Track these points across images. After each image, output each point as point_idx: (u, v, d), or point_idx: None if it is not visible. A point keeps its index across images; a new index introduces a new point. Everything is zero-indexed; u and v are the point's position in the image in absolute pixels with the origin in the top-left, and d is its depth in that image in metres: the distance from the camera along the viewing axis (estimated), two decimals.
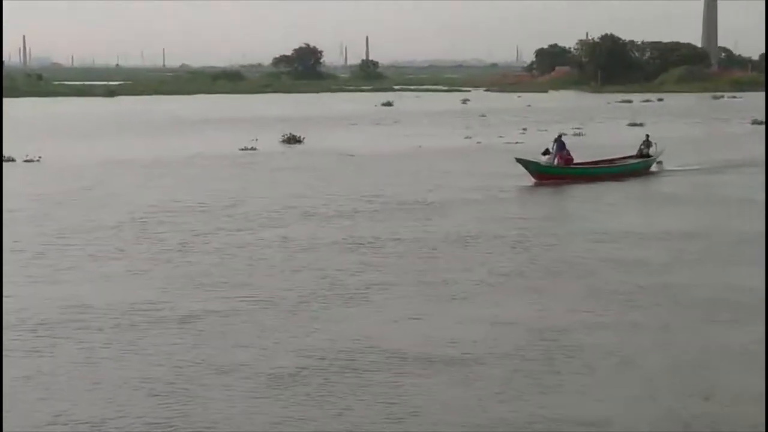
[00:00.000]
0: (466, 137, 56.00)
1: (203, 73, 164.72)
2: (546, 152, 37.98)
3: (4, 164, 40.84)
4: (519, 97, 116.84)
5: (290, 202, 30.49)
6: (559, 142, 38.43)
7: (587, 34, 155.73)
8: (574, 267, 21.19)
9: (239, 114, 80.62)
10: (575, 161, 38.16)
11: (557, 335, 15.88)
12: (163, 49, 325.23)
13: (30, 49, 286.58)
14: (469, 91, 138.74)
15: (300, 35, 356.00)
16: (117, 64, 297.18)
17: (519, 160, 36.64)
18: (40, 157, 42.94)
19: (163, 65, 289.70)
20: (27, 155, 42.82)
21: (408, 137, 56.32)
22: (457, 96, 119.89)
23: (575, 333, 16.01)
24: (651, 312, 17.38)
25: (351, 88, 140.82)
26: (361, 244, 23.65)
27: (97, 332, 16.18)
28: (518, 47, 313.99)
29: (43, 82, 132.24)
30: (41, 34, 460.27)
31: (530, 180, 35.66)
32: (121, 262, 21.78)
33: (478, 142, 53.24)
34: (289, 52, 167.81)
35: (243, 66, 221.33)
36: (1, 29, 79.33)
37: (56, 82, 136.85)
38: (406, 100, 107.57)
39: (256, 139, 52.78)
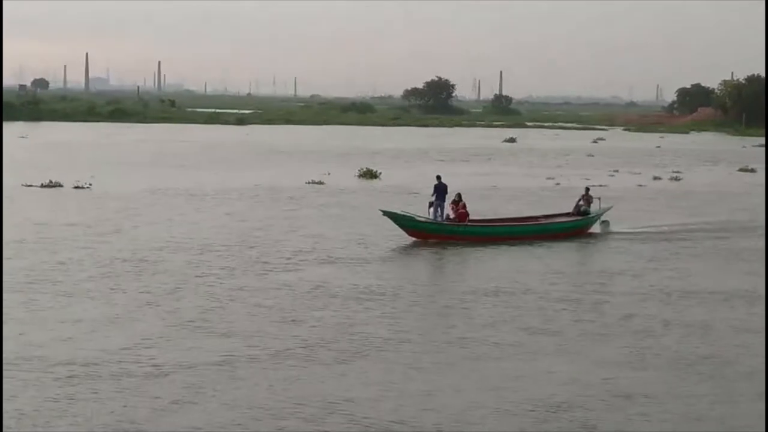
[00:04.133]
0: (549, 178, 53.67)
1: (334, 104, 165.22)
2: (431, 204, 31.89)
3: (50, 189, 40.89)
4: (662, 137, 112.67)
5: (306, 243, 29.31)
6: (440, 187, 32.05)
7: (732, 75, 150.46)
8: None
9: (345, 145, 79.80)
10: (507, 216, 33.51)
11: None
12: (295, 79, 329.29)
13: (165, 76, 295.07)
14: (605, 129, 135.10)
15: (433, 69, 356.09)
16: (249, 93, 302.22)
17: (386, 213, 30.76)
18: (90, 184, 42.66)
19: (294, 95, 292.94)
20: (78, 182, 42.62)
21: (491, 176, 54.39)
22: (592, 134, 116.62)
23: None
24: None
25: (482, 123, 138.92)
26: (369, 293, 22.57)
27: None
28: (659, 86, 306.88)
29: (176, 109, 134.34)
30: (176, 60, 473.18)
31: (407, 238, 30.35)
32: (96, 302, 20.95)
33: (557, 184, 50.89)
34: (420, 85, 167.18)
35: (374, 98, 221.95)
36: (1, 42, 79.88)
37: (189, 109, 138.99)
38: (531, 138, 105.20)
39: (329, 173, 51.67)
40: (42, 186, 42.00)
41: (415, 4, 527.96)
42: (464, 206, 31.29)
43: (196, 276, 23.97)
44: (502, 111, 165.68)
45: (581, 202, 33.85)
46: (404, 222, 30.56)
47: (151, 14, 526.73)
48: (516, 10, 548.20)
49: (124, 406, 14.33)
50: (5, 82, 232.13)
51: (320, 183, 47.84)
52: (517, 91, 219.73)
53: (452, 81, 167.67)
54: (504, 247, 29.76)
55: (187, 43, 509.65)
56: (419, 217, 31.02)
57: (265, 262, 26.07)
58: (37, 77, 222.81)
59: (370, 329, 19.24)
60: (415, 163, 62.94)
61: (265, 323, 19.52)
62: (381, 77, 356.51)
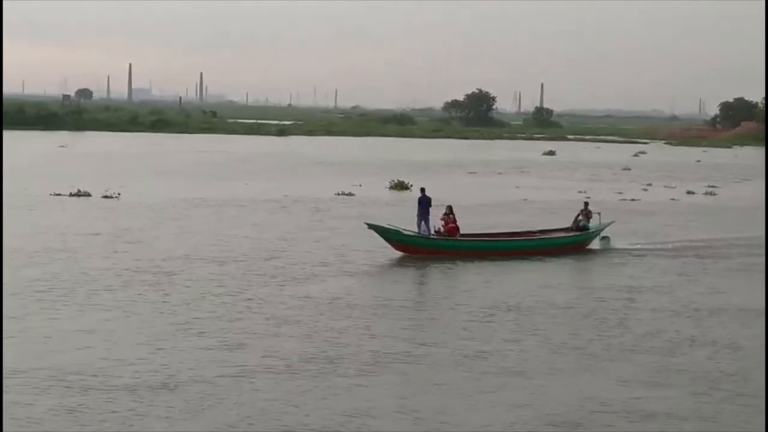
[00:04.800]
0: (580, 191, 53.29)
1: (374, 116, 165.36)
2: (420, 220, 30.74)
3: (79, 199, 41.16)
4: (704, 151, 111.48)
5: (327, 255, 29.25)
6: (423, 200, 31.05)
7: None
8: None
9: (382, 157, 79.74)
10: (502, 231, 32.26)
11: None
12: (336, 90, 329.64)
13: (206, 87, 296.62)
14: (647, 143, 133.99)
15: (474, 81, 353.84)
16: (289, 104, 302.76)
17: (372, 227, 29.78)
18: (119, 194, 42.88)
19: (335, 106, 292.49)
20: (106, 191, 42.86)
21: (522, 189, 54.10)
22: (633, 148, 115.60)
23: None
24: None
25: (522, 135, 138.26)
26: (388, 305, 22.49)
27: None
28: (701, 99, 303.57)
29: (218, 120, 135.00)
30: (218, 72, 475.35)
31: (394, 252, 29.60)
32: (112, 313, 20.90)
33: (588, 197, 50.40)
34: (461, 97, 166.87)
35: (415, 110, 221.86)
36: (1, 42, 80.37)
37: (230, 120, 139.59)
38: (571, 151, 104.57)
39: (360, 185, 51.70)
40: (70, 195, 42.26)
41: (456, 17, 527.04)
42: (455, 220, 30.32)
43: (216, 286, 23.88)
44: (542, 124, 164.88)
45: (580, 217, 32.81)
46: (390, 236, 29.66)
47: (193, 27, 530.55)
48: (558, 23, 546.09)
49: (138, 416, 14.31)
50: (50, 92, 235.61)
51: (350, 194, 47.82)
52: (558, 103, 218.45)
53: (493, 93, 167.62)
54: (501, 263, 28.86)
55: (229, 55, 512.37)
56: (406, 231, 30.11)
57: (286, 273, 25.97)
58: (81, 87, 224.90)
59: (389, 342, 19.07)
60: (448, 176, 62.74)
61: (283, 334, 19.43)
62: (422, 89, 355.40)
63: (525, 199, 48.44)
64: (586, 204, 33.47)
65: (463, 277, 27.20)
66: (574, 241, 31.98)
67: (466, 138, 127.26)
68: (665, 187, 57.76)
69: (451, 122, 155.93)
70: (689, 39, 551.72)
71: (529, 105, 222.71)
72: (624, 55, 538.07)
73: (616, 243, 32.53)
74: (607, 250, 32.06)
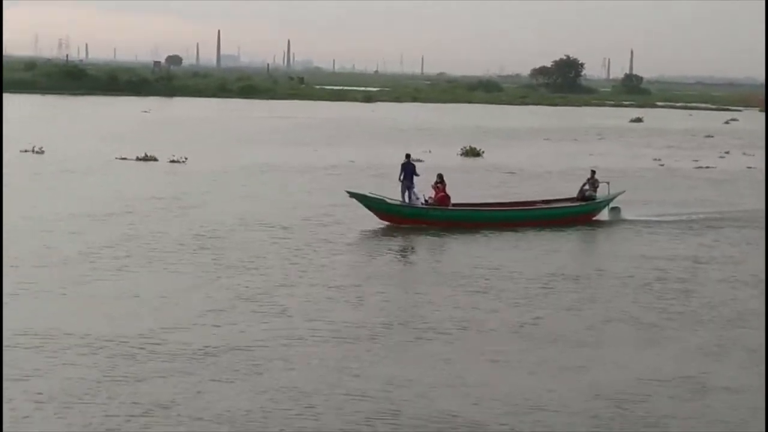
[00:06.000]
0: (655, 159, 52.33)
1: (461, 83, 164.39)
2: (404, 188, 29.43)
3: (145, 163, 41.67)
4: None
5: (381, 222, 28.83)
6: (408, 166, 29.73)
7: None
8: None
9: (463, 124, 79.26)
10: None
11: None
12: (422, 57, 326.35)
13: (294, 53, 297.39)
14: (740, 110, 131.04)
15: (562, 47, 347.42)
16: (376, 71, 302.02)
17: (354, 195, 28.66)
18: (185, 159, 43.24)
19: (422, 72, 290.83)
20: (173, 156, 43.24)
21: (595, 156, 53.33)
22: (725, 115, 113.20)
23: None
24: None
25: (611, 102, 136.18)
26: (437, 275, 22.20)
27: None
28: None
29: (305, 86, 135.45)
30: (305, 38, 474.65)
31: (378, 221, 28.50)
32: (160, 276, 21.08)
33: (661, 165, 49.69)
34: (548, 64, 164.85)
35: (501, 76, 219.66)
36: (1, 26, 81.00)
37: (317, 86, 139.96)
38: (659, 118, 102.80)
39: (430, 151, 51.47)
40: (137, 159, 42.77)
41: None
42: (444, 188, 29.10)
43: (264, 253, 23.94)
44: (632, 90, 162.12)
45: (586, 187, 31.21)
46: (374, 204, 28.53)
47: None
48: None
49: (178, 385, 14.26)
50: (141, 58, 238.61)
51: (418, 161, 47.47)
52: (648, 70, 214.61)
53: (581, 60, 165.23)
54: (503, 234, 27.63)
55: (317, 22, 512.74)
56: (390, 199, 28.96)
57: (335, 242, 25.91)
58: (171, 54, 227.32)
59: (437, 313, 18.84)
60: (521, 142, 62.24)
61: (334, 300, 19.46)
62: (509, 55, 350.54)
63: (595, 166, 47.60)
64: (593, 173, 31.80)
65: (475, 247, 26.13)
66: (580, 212, 30.53)
67: (553, 105, 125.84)
68: (744, 154, 56.45)
69: (538, 89, 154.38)
70: None
71: (618, 72, 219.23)
72: (716, 21, 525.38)
73: (627, 214, 31.09)
74: (616, 221, 30.58)
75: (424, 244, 26.41)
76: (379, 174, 41.10)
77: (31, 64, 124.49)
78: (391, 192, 30.13)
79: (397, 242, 26.47)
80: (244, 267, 22.25)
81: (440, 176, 29.42)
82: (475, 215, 29.27)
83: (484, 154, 52.00)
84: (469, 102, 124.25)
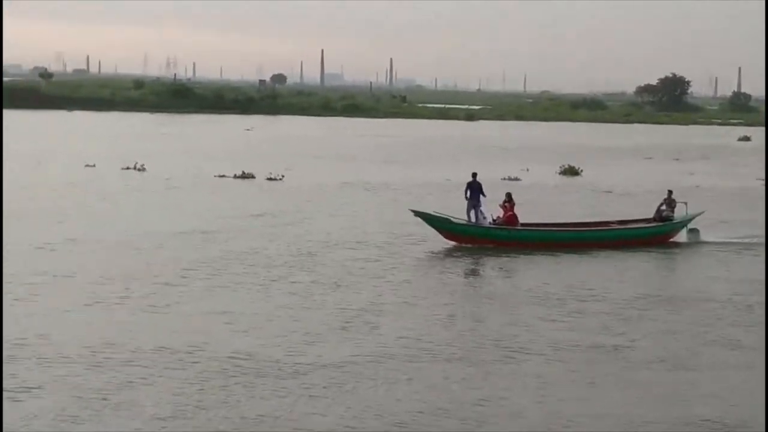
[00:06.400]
0: (759, 178, 51.24)
1: (564, 100, 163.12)
2: (470, 207, 28.66)
3: (243, 180, 42.25)
4: None
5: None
6: (473, 185, 28.86)
7: None
8: None
9: (564, 142, 78.63)
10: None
11: None
12: (525, 75, 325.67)
13: (396, 72, 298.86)
14: None
15: (668, 64, 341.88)
16: (478, 89, 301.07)
17: (418, 214, 28.28)
18: (282, 176, 43.70)
19: (524, 90, 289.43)
20: (270, 174, 43.73)
21: (697, 175, 52.67)
22: None
23: None
24: None
25: (718, 121, 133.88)
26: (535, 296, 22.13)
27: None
28: None
29: (407, 104, 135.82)
30: (407, 57, 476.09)
31: (444, 240, 28.17)
32: (252, 294, 21.24)
33: (765, 184, 48.54)
34: (654, 82, 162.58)
35: (605, 94, 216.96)
36: (1, 34, 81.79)
37: (419, 105, 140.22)
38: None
39: (527, 169, 51.21)
40: (234, 177, 43.39)
41: (646, 2, 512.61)
42: (513, 207, 28.55)
43: (356, 270, 24.18)
44: (740, 108, 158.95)
45: (663, 207, 30.27)
46: (438, 224, 28.10)
47: (383, 13, 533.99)
48: (757, 5, 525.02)
49: (268, 401, 14.43)
50: (247, 77, 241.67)
51: (515, 179, 47.38)
52: (757, 88, 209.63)
53: (687, 77, 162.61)
54: (578, 255, 27.10)
55: (419, 40, 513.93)
56: (456, 219, 28.41)
57: (432, 260, 26.09)
58: (276, 73, 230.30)
59: (528, 333, 18.75)
60: (624, 161, 61.54)
61: (419, 321, 19.50)
62: (614, 73, 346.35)
63: (697, 186, 46.94)
64: (670, 193, 30.76)
65: (554, 268, 25.76)
66: (656, 232, 29.57)
67: (658, 123, 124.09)
68: None
69: (643, 107, 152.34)
70: None
71: (725, 90, 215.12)
72: None
73: (707, 236, 30.02)
74: (695, 242, 29.64)
75: (502, 265, 26.16)
76: None
77: (139, 83, 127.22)
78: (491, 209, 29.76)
79: (478, 262, 26.37)
80: (335, 284, 22.46)
81: (509, 195, 28.99)
82: (543, 235, 28.58)
83: (582, 173, 51.58)
84: (572, 120, 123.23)
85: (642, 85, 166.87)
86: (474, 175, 29.43)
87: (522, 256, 26.94)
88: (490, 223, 28.58)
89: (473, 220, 28.64)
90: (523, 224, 28.67)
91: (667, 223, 29.96)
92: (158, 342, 17.03)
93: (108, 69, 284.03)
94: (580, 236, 28.72)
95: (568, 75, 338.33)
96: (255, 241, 27.58)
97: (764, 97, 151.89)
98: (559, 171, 52.14)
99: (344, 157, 57.65)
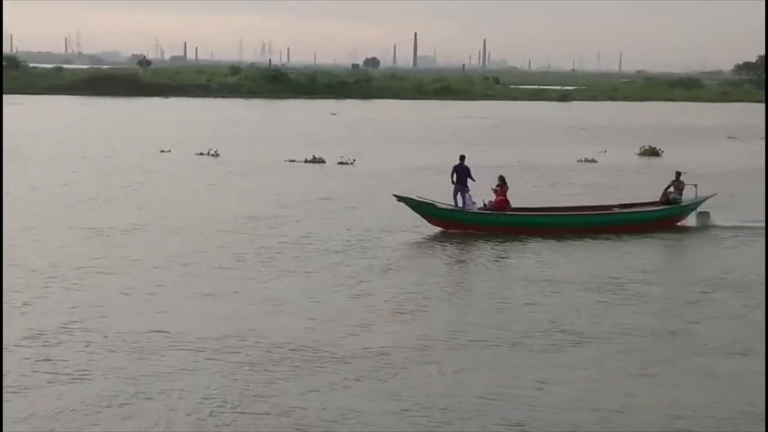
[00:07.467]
0: None
1: (659, 80, 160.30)
2: (456, 192, 27.56)
3: (313, 165, 42.58)
4: None
5: None
6: (460, 168, 27.76)
7: None
8: None
9: (653, 122, 77.55)
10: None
11: None
12: (620, 54, 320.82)
13: (489, 53, 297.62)
14: None
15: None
16: (573, 69, 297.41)
17: (401, 199, 27.29)
18: (354, 160, 43.92)
19: (619, 70, 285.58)
20: (341, 158, 44.01)
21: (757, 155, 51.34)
22: None
23: None
24: None
25: None
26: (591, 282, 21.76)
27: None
28: None
29: (500, 86, 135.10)
30: (500, 39, 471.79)
31: (429, 226, 27.27)
32: (304, 279, 21.25)
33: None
34: (753, 59, 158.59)
35: (702, 73, 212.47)
36: (1, 32, 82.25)
37: (512, 86, 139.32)
38: None
39: (605, 150, 50.77)
40: (305, 161, 43.66)
41: None
42: (505, 192, 27.46)
43: (407, 256, 24.42)
44: None
45: (671, 189, 29.10)
46: (422, 209, 27.30)
47: None
48: None
49: (310, 388, 14.45)
50: (341, 61, 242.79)
51: (592, 161, 47.02)
52: None
53: None
54: (587, 240, 26.29)
55: (511, 21, 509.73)
56: (441, 204, 27.53)
57: (477, 245, 25.75)
58: (369, 56, 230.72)
59: (579, 319, 18.53)
60: (705, 142, 60.56)
61: (467, 308, 19.59)
62: (711, 51, 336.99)
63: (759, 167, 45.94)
64: (678, 174, 29.68)
65: (586, 252, 25.15)
66: (661, 216, 28.40)
67: (758, 101, 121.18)
68: None
69: (741, 85, 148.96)
70: None
71: None
72: None
73: (718, 219, 28.97)
74: (705, 226, 28.57)
75: (519, 250, 25.27)
76: (540, 175, 40.77)
77: (235, 69, 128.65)
78: (533, 194, 29.56)
79: (498, 248, 25.81)
80: (386, 268, 22.50)
81: (501, 178, 27.90)
82: (535, 220, 27.61)
83: (663, 154, 50.89)
84: (668, 100, 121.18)
85: (741, 62, 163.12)
86: (462, 157, 28.28)
87: (532, 241, 26.15)
88: (479, 208, 27.56)
89: (460, 204, 27.59)
90: (514, 209, 27.67)
91: (674, 206, 28.86)
92: (203, 329, 17.14)
93: (204, 55, 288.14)
94: (574, 221, 27.59)
95: (664, 54, 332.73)
96: (313, 226, 27.64)
97: None
98: (638, 152, 51.51)
99: (426, 140, 57.48)
